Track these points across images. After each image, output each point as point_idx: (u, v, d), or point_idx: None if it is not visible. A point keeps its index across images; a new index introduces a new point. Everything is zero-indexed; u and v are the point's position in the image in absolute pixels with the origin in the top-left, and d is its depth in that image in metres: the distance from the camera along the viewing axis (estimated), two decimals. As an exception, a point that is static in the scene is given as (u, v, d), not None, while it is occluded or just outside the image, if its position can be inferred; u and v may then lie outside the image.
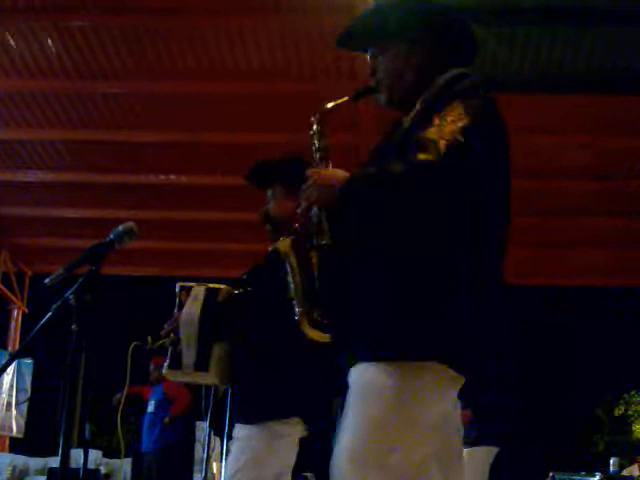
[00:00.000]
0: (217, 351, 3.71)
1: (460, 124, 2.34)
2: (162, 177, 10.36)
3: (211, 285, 3.78)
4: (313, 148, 2.69)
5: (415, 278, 2.36)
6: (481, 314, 2.41)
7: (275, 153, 4.05)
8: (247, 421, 3.84)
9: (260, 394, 3.82)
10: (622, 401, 22.41)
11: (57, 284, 2.84)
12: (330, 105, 2.72)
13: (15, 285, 13.71)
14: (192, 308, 3.69)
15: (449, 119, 2.36)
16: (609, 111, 8.63)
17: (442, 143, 2.30)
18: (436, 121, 2.37)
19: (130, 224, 3.04)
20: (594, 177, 9.95)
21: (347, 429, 2.39)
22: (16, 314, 14.04)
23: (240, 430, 3.88)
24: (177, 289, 3.86)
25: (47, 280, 2.85)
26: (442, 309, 2.35)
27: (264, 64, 8.09)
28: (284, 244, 3.07)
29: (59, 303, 2.75)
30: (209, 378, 3.81)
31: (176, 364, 3.78)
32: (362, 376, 2.41)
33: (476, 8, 7.12)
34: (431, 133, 2.34)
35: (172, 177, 10.34)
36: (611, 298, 18.27)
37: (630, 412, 22.29)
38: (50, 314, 2.77)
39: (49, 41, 7.87)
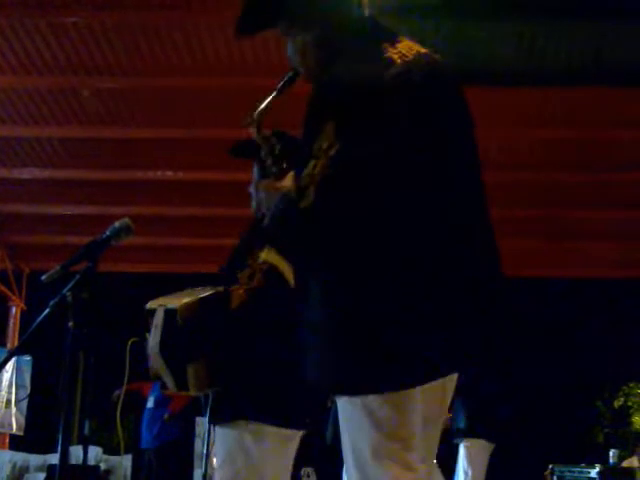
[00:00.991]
0: (192, 371, 3.66)
1: (331, 152, 2.25)
2: (158, 173, 10.36)
3: (169, 305, 3.69)
4: (262, 154, 2.65)
5: (347, 310, 2.33)
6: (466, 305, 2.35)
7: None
8: (214, 421, 3.84)
9: (227, 394, 3.80)
10: (621, 393, 22.39)
11: (54, 281, 2.84)
12: (259, 106, 2.67)
13: (13, 282, 13.71)
14: (154, 339, 3.64)
15: (324, 146, 2.27)
16: (607, 103, 8.63)
17: (311, 189, 2.25)
18: (315, 152, 2.29)
19: (126, 220, 3.03)
20: (593, 170, 9.95)
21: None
22: (14, 311, 14.04)
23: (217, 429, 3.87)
24: (145, 313, 3.80)
25: (44, 277, 2.85)
26: (420, 308, 2.30)
27: (258, 59, 8.08)
28: (269, 255, 3.07)
29: (56, 300, 2.75)
30: (195, 393, 3.80)
31: (164, 386, 3.79)
32: (343, 414, 2.41)
33: (464, 1, 7.14)
34: (306, 176, 2.28)
35: (168, 173, 10.33)
36: (611, 290, 18.25)
37: (630, 404, 22.27)
38: (48, 311, 2.77)
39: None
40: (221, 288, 3.75)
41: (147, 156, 10.04)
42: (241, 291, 3.63)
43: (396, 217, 2.30)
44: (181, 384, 3.66)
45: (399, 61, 2.38)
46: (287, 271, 3.07)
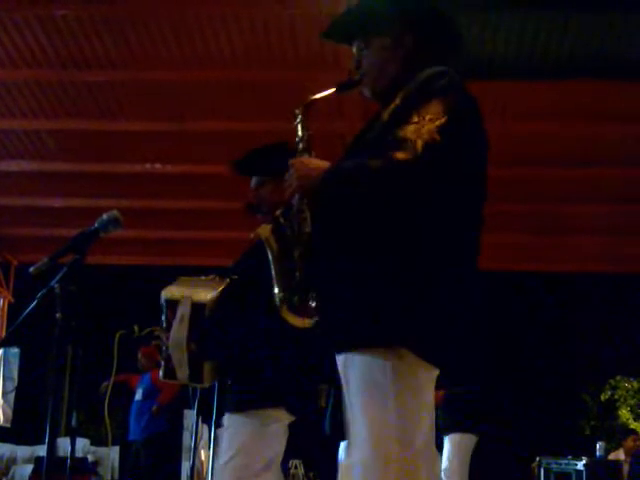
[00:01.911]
0: (209, 365, 3.72)
1: (438, 122, 2.40)
2: (147, 166, 10.34)
3: (196, 298, 3.72)
4: (296, 138, 2.75)
5: (389, 272, 2.41)
6: (459, 304, 2.47)
7: (261, 141, 4.05)
8: (236, 409, 3.87)
9: (247, 383, 3.84)
10: (608, 386, 22.46)
11: (42, 273, 2.85)
12: (315, 97, 2.78)
13: (1, 274, 13.69)
14: (179, 332, 3.66)
15: (427, 117, 2.41)
16: (598, 97, 8.65)
17: (419, 143, 2.35)
18: (414, 118, 2.42)
19: (114, 213, 3.05)
20: (584, 165, 9.97)
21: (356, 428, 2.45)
22: (2, 303, 14.01)
23: (229, 419, 3.91)
24: (162, 302, 3.82)
25: (32, 269, 2.85)
26: (419, 300, 2.40)
27: (248, 52, 8.08)
28: (265, 230, 3.08)
29: (44, 292, 2.76)
30: (205, 385, 3.84)
31: (171, 375, 3.81)
32: (354, 369, 2.46)
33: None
34: (409, 131, 2.39)
35: (157, 166, 10.32)
36: (599, 284, 18.32)
37: (616, 397, 22.34)
38: (35, 303, 2.78)
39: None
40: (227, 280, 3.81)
41: (136, 149, 10.03)
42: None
43: (467, 200, 2.51)
44: (196, 377, 3.72)
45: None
46: (274, 248, 3.07)
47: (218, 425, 3.97)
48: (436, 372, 2.49)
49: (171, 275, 4.00)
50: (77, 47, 8.07)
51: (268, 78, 8.34)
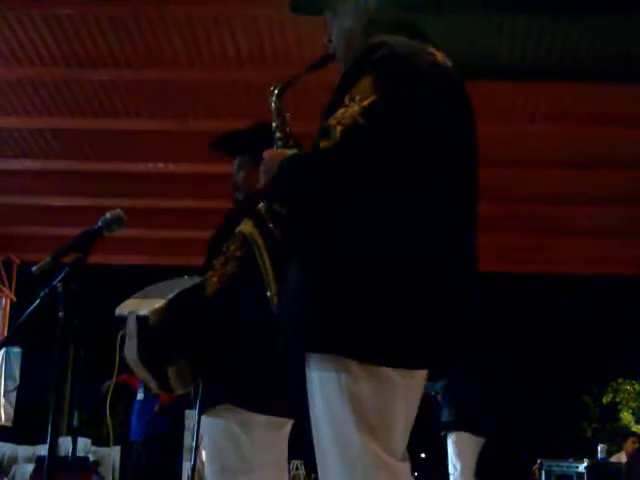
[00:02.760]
0: (173, 372, 3.63)
1: (365, 103, 2.22)
2: (150, 165, 10.34)
3: (140, 312, 3.65)
4: (273, 126, 2.66)
5: (331, 268, 2.27)
6: (428, 300, 2.29)
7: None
8: (206, 411, 3.82)
9: (212, 381, 3.78)
10: (610, 388, 22.49)
11: (45, 272, 2.84)
12: (289, 80, 2.72)
13: (3, 273, 13.69)
14: (131, 349, 3.60)
15: (357, 97, 2.24)
16: (597, 99, 8.65)
17: (338, 129, 2.20)
18: (346, 101, 2.26)
19: (118, 212, 3.04)
20: (578, 166, 9.97)
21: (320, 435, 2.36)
22: (4, 302, 14.01)
23: (203, 421, 3.86)
24: (116, 321, 3.76)
25: (34, 268, 2.84)
26: (363, 299, 2.24)
27: (253, 52, 8.08)
28: (247, 226, 3.03)
29: (47, 291, 2.75)
30: (179, 392, 3.79)
31: (148, 388, 3.78)
32: (310, 373, 2.37)
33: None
34: (334, 117, 2.24)
35: (160, 165, 10.31)
36: (600, 286, 18.32)
37: (618, 399, 22.37)
38: (37, 302, 2.77)
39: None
40: (198, 279, 3.73)
41: (139, 148, 10.03)
42: (215, 278, 3.60)
43: (411, 186, 2.28)
44: (164, 386, 3.65)
45: (441, 59, 2.46)
46: (260, 243, 3.03)
47: None
48: (410, 372, 2.35)
49: (174, 274, 3.97)
50: (81, 46, 8.07)
51: (272, 78, 8.29)
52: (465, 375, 6.92)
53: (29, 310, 2.77)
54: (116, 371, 4.15)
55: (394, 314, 2.23)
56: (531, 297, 20.06)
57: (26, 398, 14.13)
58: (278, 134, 2.66)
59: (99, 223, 3.00)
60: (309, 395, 2.38)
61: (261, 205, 2.81)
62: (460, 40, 7.27)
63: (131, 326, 3.55)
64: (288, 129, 2.67)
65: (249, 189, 3.85)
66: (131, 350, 3.54)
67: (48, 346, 2.76)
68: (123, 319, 3.63)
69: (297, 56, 8.03)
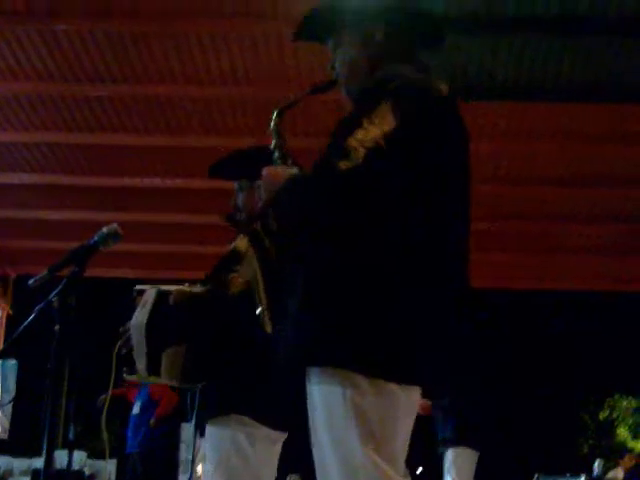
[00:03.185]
0: (169, 355, 3.62)
1: (386, 128, 2.29)
2: (146, 180, 10.37)
3: (164, 287, 3.69)
4: (272, 145, 2.70)
5: (336, 285, 2.32)
6: (418, 318, 2.33)
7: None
8: (210, 418, 3.83)
9: (216, 389, 3.79)
10: (607, 405, 22.45)
11: (41, 286, 2.86)
12: (289, 102, 2.75)
13: (-1, 286, 13.69)
14: (140, 315, 3.62)
15: (376, 121, 2.31)
16: (593, 118, 8.69)
17: (362, 151, 2.25)
18: (364, 124, 2.31)
19: (114, 226, 3.06)
20: (574, 184, 10.00)
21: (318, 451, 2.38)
22: (0, 315, 13.99)
23: (207, 430, 3.86)
24: (133, 293, 3.80)
25: (31, 282, 2.86)
26: (367, 316, 2.29)
27: (249, 69, 8.10)
28: (242, 242, 3.06)
29: (43, 305, 2.77)
30: (164, 380, 3.77)
31: (132, 369, 3.75)
32: (310, 386, 2.39)
33: (460, 17, 7.16)
34: (355, 138, 2.29)
35: (157, 180, 10.34)
36: (598, 303, 18.32)
37: (614, 416, 22.33)
38: (34, 315, 2.78)
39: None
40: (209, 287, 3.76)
41: (136, 163, 10.06)
42: (240, 279, 3.61)
43: (423, 207, 2.36)
44: (153, 368, 3.63)
45: (444, 90, 2.54)
46: (252, 258, 3.05)
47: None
48: (411, 388, 2.39)
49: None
50: (78, 61, 8.09)
51: (268, 95, 8.35)
52: (463, 392, 6.92)
53: (25, 323, 2.79)
54: (112, 384, 4.17)
55: (401, 330, 2.29)
56: (528, 314, 20.05)
57: (22, 411, 14.10)
58: (277, 153, 2.70)
59: (95, 237, 3.02)
60: (310, 408, 2.40)
61: (258, 224, 2.84)
62: (457, 61, 7.32)
63: (149, 296, 3.58)
64: (286, 148, 2.71)
65: (250, 210, 3.89)
66: (141, 316, 3.56)
67: (44, 359, 2.77)
68: (141, 292, 3.66)
69: (294, 73, 8.06)
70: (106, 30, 7.72)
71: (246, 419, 3.68)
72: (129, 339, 3.70)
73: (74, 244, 3.03)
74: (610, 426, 22.54)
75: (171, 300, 3.59)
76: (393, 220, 2.31)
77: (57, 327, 2.70)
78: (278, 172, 2.52)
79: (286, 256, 2.58)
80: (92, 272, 3.02)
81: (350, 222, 2.30)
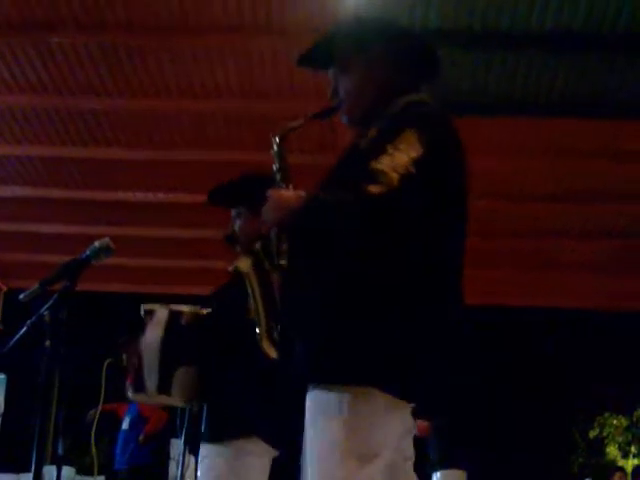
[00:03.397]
0: (179, 375, 3.66)
1: (413, 154, 2.35)
2: (139, 194, 10.35)
3: (174, 307, 3.73)
4: (274, 168, 2.72)
5: (358, 304, 2.37)
6: (433, 337, 2.41)
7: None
8: (211, 439, 3.84)
9: (225, 412, 3.81)
10: (596, 423, 22.46)
11: (32, 300, 2.84)
12: (292, 125, 2.78)
13: (-10, 300, 13.63)
14: (153, 334, 3.64)
15: (402, 148, 2.36)
16: (585, 135, 8.70)
17: (394, 176, 2.30)
18: (389, 150, 2.36)
19: (106, 240, 3.04)
20: (567, 200, 10.02)
21: (309, 462, 2.41)
22: (-11, 329, 13.93)
23: (205, 448, 3.87)
24: (142, 312, 3.83)
25: (22, 296, 2.84)
26: (386, 334, 2.34)
27: (243, 83, 8.11)
28: (245, 264, 3.07)
29: (34, 319, 2.75)
30: (173, 401, 3.80)
31: (140, 387, 3.76)
32: (312, 404, 2.43)
33: (454, 31, 7.18)
34: (384, 163, 2.33)
35: (149, 194, 10.32)
36: (588, 320, 18.31)
37: (605, 434, 22.32)
38: (24, 330, 2.76)
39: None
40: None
41: (129, 177, 10.04)
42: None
43: (444, 230, 2.47)
44: (164, 386, 3.66)
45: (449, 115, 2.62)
46: (254, 283, 3.07)
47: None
48: (408, 406, 2.43)
49: (160, 303, 3.99)
50: (72, 74, 8.08)
51: (263, 109, 8.36)
52: (452, 412, 6.91)
53: (16, 338, 2.77)
54: (102, 400, 4.14)
55: (418, 348, 2.37)
56: (519, 331, 20.05)
57: (10, 426, 14.02)
58: (279, 176, 2.72)
59: (87, 252, 3.01)
60: (311, 424, 2.43)
61: (258, 245, 2.86)
62: (450, 75, 7.34)
63: (161, 315, 3.61)
64: (289, 172, 2.73)
65: (247, 236, 3.92)
66: (153, 335, 3.58)
67: (34, 374, 2.75)
68: (152, 311, 3.69)
69: (288, 88, 8.07)
70: (100, 43, 7.72)
71: (251, 439, 3.71)
72: (137, 357, 3.71)
73: (66, 257, 3.01)
74: (600, 444, 22.53)
75: (183, 320, 3.63)
76: (415, 242, 2.38)
77: (48, 342, 2.68)
78: (287, 195, 2.57)
79: (292, 276, 2.60)
80: (83, 286, 2.99)
81: (378, 243, 2.35)
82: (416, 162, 2.33)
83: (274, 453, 3.89)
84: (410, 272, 2.38)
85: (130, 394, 3.87)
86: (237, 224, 4.10)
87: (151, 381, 3.68)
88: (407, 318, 2.36)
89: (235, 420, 3.76)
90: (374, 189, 2.29)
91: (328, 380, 2.37)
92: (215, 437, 3.85)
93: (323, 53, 2.79)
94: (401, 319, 2.35)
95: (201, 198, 9.82)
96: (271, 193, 2.57)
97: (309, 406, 2.44)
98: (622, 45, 7.34)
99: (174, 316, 3.67)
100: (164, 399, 3.87)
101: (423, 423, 6.78)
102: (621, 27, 7.15)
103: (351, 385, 2.33)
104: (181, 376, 3.66)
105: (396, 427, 2.36)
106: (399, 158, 2.33)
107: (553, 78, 7.84)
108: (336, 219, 2.37)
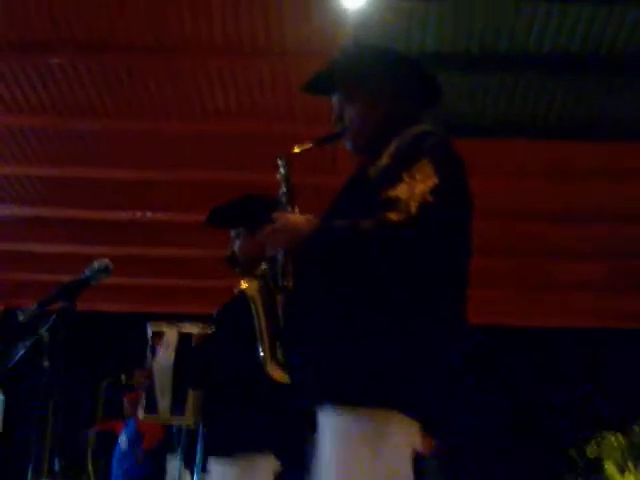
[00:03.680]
0: (192, 396, 3.70)
1: (430, 183, 2.41)
2: (138, 214, 10.34)
3: (184, 329, 3.76)
4: (280, 192, 2.78)
5: (374, 327, 2.40)
6: (444, 360, 2.47)
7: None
8: (221, 453, 3.85)
9: (232, 427, 3.82)
10: (594, 442, 22.35)
11: (31, 320, 2.85)
12: (296, 150, 2.79)
13: (-12, 319, 13.59)
14: (165, 357, 3.67)
15: (418, 177, 2.41)
16: (582, 156, 8.72)
17: (413, 204, 2.36)
18: (405, 178, 2.42)
19: (105, 261, 3.06)
20: (564, 220, 10.03)
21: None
22: (-12, 348, 13.89)
23: (212, 462, 3.88)
24: (149, 332, 3.84)
25: (21, 316, 2.85)
26: (401, 357, 2.38)
27: (241, 105, 8.13)
28: (251, 287, 3.09)
29: (33, 339, 2.75)
30: (186, 420, 3.83)
31: (152, 409, 3.79)
32: (329, 424, 2.44)
33: (452, 54, 7.21)
34: (401, 192, 2.39)
35: (148, 214, 10.32)
36: (586, 339, 18.29)
37: (602, 452, 22.21)
38: (23, 350, 2.77)
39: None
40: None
41: (127, 197, 10.04)
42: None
43: (459, 256, 2.56)
44: (177, 407, 3.70)
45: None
46: (259, 306, 3.09)
47: (204, 470, 3.95)
48: (419, 426, 2.48)
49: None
50: (72, 95, 8.08)
51: (262, 131, 8.37)
52: (451, 435, 6.90)
53: (15, 359, 2.77)
54: (100, 419, 4.16)
55: (427, 371, 2.42)
56: (514, 351, 20.03)
57: (8, 445, 13.96)
58: (285, 200, 2.77)
59: (86, 272, 3.02)
60: (329, 444, 2.44)
61: (265, 267, 2.89)
62: (448, 97, 7.37)
63: (171, 337, 3.64)
64: (294, 195, 2.78)
65: (247, 256, 3.95)
66: (166, 357, 3.61)
67: (32, 393, 2.75)
68: (160, 333, 3.72)
69: (286, 110, 8.09)
70: (101, 64, 7.74)
71: (260, 454, 3.73)
72: (149, 379, 3.74)
73: (64, 277, 3.03)
74: (598, 462, 22.43)
75: (193, 342, 3.67)
76: (432, 268, 2.43)
77: (46, 362, 2.69)
78: (295, 219, 2.60)
79: (301, 298, 2.63)
80: (81, 305, 3.01)
81: (396, 269, 2.39)
82: (433, 191, 2.39)
83: (279, 468, 3.90)
84: (427, 298, 2.43)
85: (141, 414, 3.90)
86: (236, 244, 4.12)
87: (164, 402, 3.71)
88: (422, 341, 2.41)
89: (245, 434, 3.77)
90: (394, 216, 2.35)
91: (347, 402, 2.39)
92: (224, 451, 3.85)
93: (326, 81, 2.84)
94: (416, 342, 2.39)
95: (199, 218, 9.88)
96: (278, 216, 2.59)
97: (326, 426, 2.45)
98: (619, 67, 7.38)
99: (184, 338, 3.70)
100: (176, 419, 3.90)
101: (428, 439, 6.77)
102: (619, 49, 7.18)
103: (370, 407, 2.36)
104: (193, 397, 3.70)
105: (410, 448, 2.45)
106: (417, 187, 2.39)
107: (551, 100, 7.87)
108: (355, 244, 2.42)
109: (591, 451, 21.94)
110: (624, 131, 8.15)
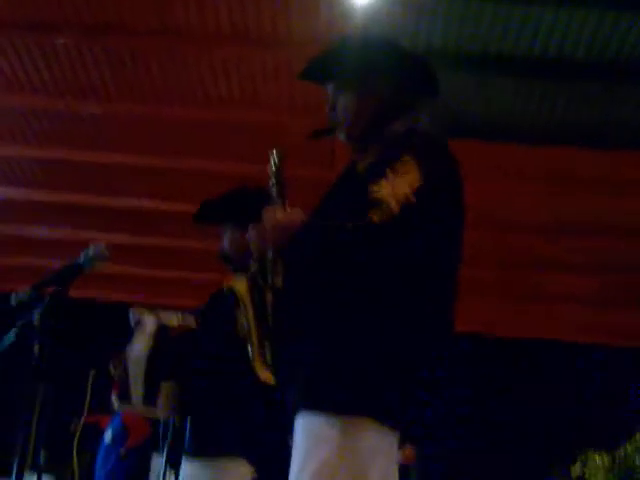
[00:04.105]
0: (165, 388, 3.67)
1: (414, 184, 2.37)
2: (135, 201, 10.28)
3: (164, 320, 3.72)
4: (270, 184, 2.72)
5: (354, 331, 2.37)
6: (423, 368, 2.45)
7: (255, 183, 4.02)
8: (193, 454, 3.82)
9: (208, 430, 3.79)
10: (579, 461, 22.42)
11: (23, 304, 2.78)
12: (287, 148, 2.78)
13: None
14: (141, 346, 3.63)
15: (402, 175, 2.38)
16: (582, 164, 8.68)
17: (394, 204, 2.32)
18: (389, 175, 2.38)
19: (101, 246, 2.97)
20: (556, 232, 9.99)
21: None
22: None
23: (186, 463, 3.86)
24: (131, 319, 3.82)
25: (13, 299, 2.78)
26: (378, 364, 2.35)
27: (244, 93, 8.09)
28: (241, 286, 3.06)
29: (22, 323, 2.69)
30: (158, 412, 3.80)
31: (126, 397, 3.76)
32: (304, 429, 2.40)
33: (456, 54, 7.20)
34: (384, 192, 2.35)
35: (145, 201, 10.25)
36: (572, 354, 18.32)
37: (586, 472, 22.30)
38: (13, 335, 2.71)
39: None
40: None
41: (125, 183, 9.97)
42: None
43: (446, 258, 2.51)
44: (149, 398, 3.66)
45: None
46: (248, 305, 3.06)
47: None
48: (397, 434, 2.43)
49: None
50: (75, 76, 8.05)
51: (264, 120, 8.35)
52: (434, 443, 6.94)
53: (4, 344, 2.71)
54: (86, 410, 4.12)
55: (405, 380, 2.40)
56: (502, 363, 20.05)
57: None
58: (275, 195, 2.71)
59: (81, 257, 2.94)
60: (301, 448, 2.40)
61: (254, 267, 2.84)
62: (448, 99, 7.34)
63: (150, 326, 3.62)
64: (285, 189, 2.72)
65: (237, 251, 3.92)
66: (142, 346, 3.59)
67: (18, 381, 2.69)
68: (140, 319, 3.70)
69: (288, 99, 8.07)
70: (105, 46, 7.71)
71: (234, 459, 3.69)
72: (123, 367, 3.71)
73: (59, 262, 2.95)
74: (582, 481, 22.51)
75: (171, 335, 3.63)
76: (413, 270, 2.40)
77: (36, 347, 2.62)
78: (283, 217, 2.54)
79: (287, 298, 2.61)
80: (73, 292, 2.93)
81: (377, 270, 2.36)
82: (416, 191, 2.36)
83: (254, 475, 3.86)
84: (408, 301, 2.40)
85: (116, 403, 3.86)
86: (226, 240, 4.08)
87: (137, 392, 3.67)
88: (402, 348, 2.38)
89: (220, 438, 3.74)
90: (376, 217, 2.32)
91: (322, 407, 2.36)
92: (199, 452, 3.82)
93: (323, 68, 2.82)
94: (397, 349, 2.37)
95: (196, 208, 9.83)
96: (267, 213, 2.55)
97: (299, 430, 2.42)
98: (624, 74, 7.36)
99: (163, 330, 3.65)
100: (149, 411, 3.85)
101: (411, 450, 6.78)
102: (624, 56, 7.17)
103: (345, 414, 2.33)
104: (166, 389, 3.65)
105: (385, 456, 2.37)
106: (399, 186, 2.36)
107: (553, 105, 7.85)
108: (337, 245, 2.38)
109: (575, 470, 22.03)
110: (627, 139, 8.14)
